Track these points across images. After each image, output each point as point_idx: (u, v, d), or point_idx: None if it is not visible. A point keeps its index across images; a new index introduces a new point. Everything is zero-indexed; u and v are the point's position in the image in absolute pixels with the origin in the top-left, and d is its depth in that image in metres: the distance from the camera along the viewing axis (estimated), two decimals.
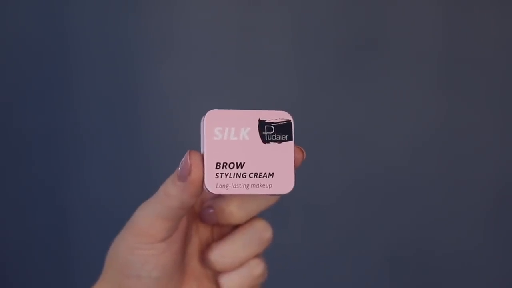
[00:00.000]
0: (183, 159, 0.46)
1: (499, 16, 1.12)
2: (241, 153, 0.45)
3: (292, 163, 0.46)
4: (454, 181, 1.13)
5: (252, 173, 0.45)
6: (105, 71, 1.15)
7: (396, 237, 1.14)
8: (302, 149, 0.47)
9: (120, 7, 1.14)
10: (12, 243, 1.17)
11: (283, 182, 0.46)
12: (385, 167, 1.14)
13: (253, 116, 0.46)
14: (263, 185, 0.46)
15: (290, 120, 0.46)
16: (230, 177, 0.45)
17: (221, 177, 0.45)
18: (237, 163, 0.45)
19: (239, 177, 0.45)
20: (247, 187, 0.45)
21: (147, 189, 1.08)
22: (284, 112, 0.46)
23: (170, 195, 0.47)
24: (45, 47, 1.15)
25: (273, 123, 0.46)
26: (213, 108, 0.47)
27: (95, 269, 1.20)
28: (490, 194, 1.13)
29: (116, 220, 1.15)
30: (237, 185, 0.45)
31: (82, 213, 1.16)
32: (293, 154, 0.46)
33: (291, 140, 0.46)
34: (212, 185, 0.45)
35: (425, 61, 1.13)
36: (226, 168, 0.45)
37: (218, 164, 0.45)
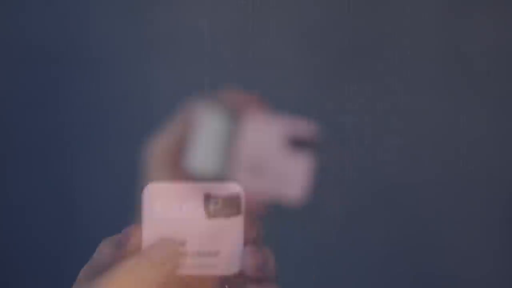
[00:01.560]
0: (123, 233, 0.42)
1: (499, 16, 1.12)
2: (183, 231, 0.41)
3: (240, 240, 0.42)
4: (455, 182, 1.13)
5: (194, 251, 0.41)
6: (107, 72, 1.15)
7: (396, 236, 1.14)
8: (257, 224, 0.43)
9: (120, 8, 1.14)
10: (15, 242, 1.18)
11: (228, 262, 0.42)
12: (385, 167, 1.14)
13: (197, 190, 0.41)
14: (207, 265, 0.41)
15: (239, 193, 0.42)
16: None
17: None
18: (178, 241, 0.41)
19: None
20: (192, 266, 0.41)
21: None
22: (233, 184, 0.42)
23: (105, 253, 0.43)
24: (50, 49, 1.15)
25: (219, 196, 0.41)
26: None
27: None
28: (492, 194, 1.13)
29: (116, 221, 1.16)
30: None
31: (84, 213, 1.16)
32: (242, 230, 0.42)
33: (240, 214, 0.42)
34: None
35: (425, 61, 1.13)
36: None
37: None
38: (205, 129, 0.42)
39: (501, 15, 1.12)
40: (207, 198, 0.41)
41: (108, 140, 1.16)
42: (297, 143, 0.41)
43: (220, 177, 0.41)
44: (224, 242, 0.41)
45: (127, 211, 1.16)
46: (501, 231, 1.14)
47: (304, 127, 0.41)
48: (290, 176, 0.41)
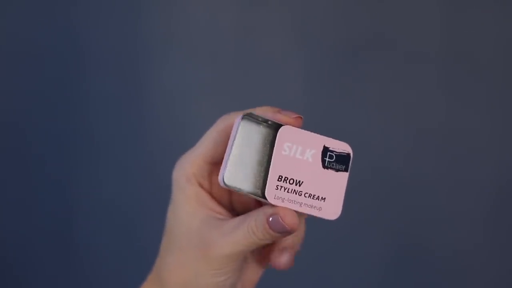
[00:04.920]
0: (275, 219, 0.48)
1: (499, 16, 1.12)
2: (302, 172, 0.48)
3: (343, 193, 0.49)
4: (454, 181, 1.13)
5: (307, 193, 0.48)
6: (110, 73, 1.15)
7: (396, 237, 1.14)
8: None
9: (121, 8, 1.14)
10: (18, 240, 1.18)
11: (332, 209, 0.49)
12: (384, 166, 1.14)
13: (320, 141, 0.48)
14: (314, 206, 0.49)
15: (350, 153, 0.49)
16: (288, 191, 0.48)
17: (280, 189, 0.48)
18: (296, 180, 0.48)
19: (296, 193, 0.48)
20: (300, 204, 0.48)
21: (152, 189, 1.07)
22: (346, 144, 0.49)
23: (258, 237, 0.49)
24: (60, 51, 1.15)
25: (335, 152, 0.49)
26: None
27: (99, 267, 1.20)
28: (490, 194, 1.13)
29: (121, 220, 1.16)
30: (292, 200, 0.48)
31: (88, 213, 1.16)
32: (345, 184, 0.49)
33: (347, 172, 0.49)
34: (271, 195, 0.47)
35: (425, 61, 1.13)
36: (286, 182, 0.48)
37: (280, 177, 0.48)
38: (241, 144, 0.48)
39: (502, 14, 1.12)
40: (325, 150, 0.48)
41: (108, 141, 1.16)
42: (333, 160, 0.48)
43: (254, 192, 0.48)
44: (331, 192, 0.49)
45: (127, 214, 1.16)
46: (503, 231, 1.14)
47: (339, 144, 0.49)
48: (326, 193, 0.48)
